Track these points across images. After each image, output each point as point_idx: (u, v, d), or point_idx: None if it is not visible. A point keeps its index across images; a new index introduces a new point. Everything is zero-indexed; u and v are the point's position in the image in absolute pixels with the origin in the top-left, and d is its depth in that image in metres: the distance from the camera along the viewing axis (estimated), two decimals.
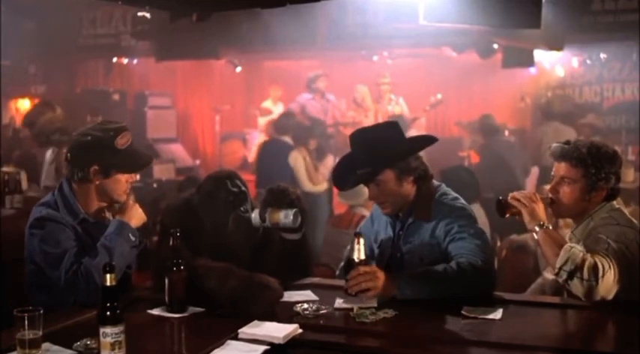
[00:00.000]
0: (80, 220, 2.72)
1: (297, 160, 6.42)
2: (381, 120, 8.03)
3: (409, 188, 2.84)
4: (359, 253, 2.52)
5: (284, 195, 2.83)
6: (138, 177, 7.39)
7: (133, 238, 2.72)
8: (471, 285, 2.55)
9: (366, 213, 4.70)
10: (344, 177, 2.92)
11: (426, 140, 2.98)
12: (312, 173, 6.48)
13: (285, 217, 2.73)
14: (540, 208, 2.59)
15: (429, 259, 2.75)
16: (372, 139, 2.86)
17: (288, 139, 6.58)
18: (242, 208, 2.82)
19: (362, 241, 2.53)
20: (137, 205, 2.81)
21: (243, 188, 2.89)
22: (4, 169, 4.92)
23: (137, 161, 2.86)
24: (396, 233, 2.90)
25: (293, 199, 2.83)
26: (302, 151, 6.50)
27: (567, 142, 2.73)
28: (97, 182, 2.74)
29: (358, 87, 8.98)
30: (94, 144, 2.72)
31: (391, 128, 2.94)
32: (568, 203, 2.69)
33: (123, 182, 2.78)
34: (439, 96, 8.86)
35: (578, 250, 2.44)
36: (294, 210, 2.73)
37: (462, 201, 2.87)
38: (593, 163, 2.63)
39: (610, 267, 2.38)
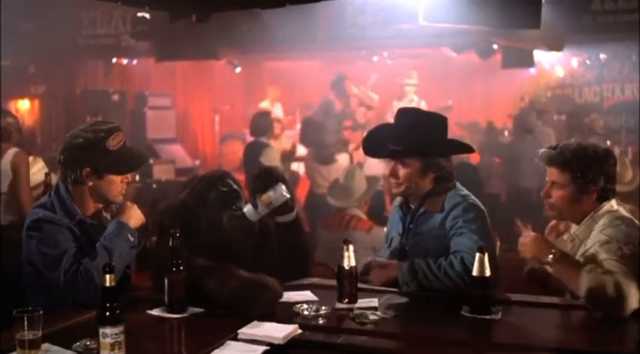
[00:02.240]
0: (77, 221, 2.72)
1: (269, 156, 6.39)
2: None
3: (427, 182, 2.89)
4: (349, 260, 2.53)
5: (270, 174, 2.84)
6: (137, 178, 7.39)
7: (131, 239, 2.71)
8: (465, 283, 2.57)
9: (358, 213, 4.51)
10: (377, 145, 2.96)
11: (464, 148, 3.08)
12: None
13: (275, 191, 2.73)
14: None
15: (435, 252, 2.78)
16: (418, 124, 2.90)
17: (264, 139, 6.58)
18: (234, 207, 2.79)
19: (351, 248, 2.55)
20: (135, 206, 2.80)
21: (235, 186, 2.87)
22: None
23: (130, 162, 2.82)
24: (406, 227, 2.93)
25: (279, 177, 2.83)
26: (276, 144, 6.50)
27: (555, 147, 2.74)
28: (91, 184, 2.72)
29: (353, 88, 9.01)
30: (85, 146, 2.70)
31: (439, 122, 2.96)
32: (561, 206, 2.71)
33: (117, 183, 2.76)
34: (450, 103, 8.91)
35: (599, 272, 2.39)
36: (281, 184, 2.75)
37: (474, 198, 2.90)
38: (579, 167, 2.64)
39: (630, 279, 2.36)
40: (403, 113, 2.97)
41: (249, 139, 10.16)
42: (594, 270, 2.40)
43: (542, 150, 2.75)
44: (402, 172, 2.88)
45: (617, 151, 7.48)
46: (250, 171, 6.56)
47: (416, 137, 2.84)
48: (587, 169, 2.64)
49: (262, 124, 6.66)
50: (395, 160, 2.90)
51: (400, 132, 2.89)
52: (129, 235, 2.70)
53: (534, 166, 6.77)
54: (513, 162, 6.91)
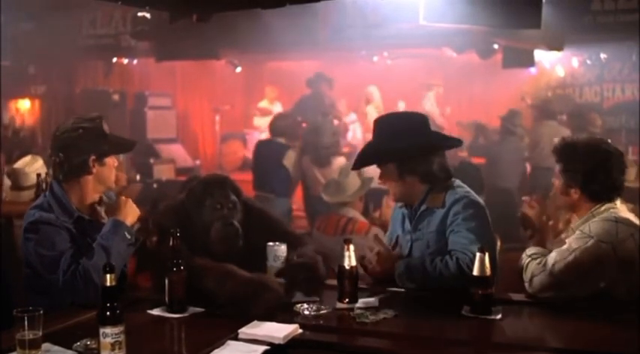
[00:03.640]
0: (75, 219, 2.72)
1: (291, 159, 6.40)
2: None
3: (415, 185, 2.88)
4: (349, 259, 2.54)
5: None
6: (138, 177, 7.35)
7: (129, 236, 2.71)
8: (459, 284, 2.59)
9: (355, 214, 4.37)
10: (359, 159, 3.00)
11: (441, 144, 2.97)
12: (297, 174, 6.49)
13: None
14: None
15: (436, 247, 2.81)
16: (387, 129, 2.93)
17: (282, 140, 6.58)
18: (227, 221, 2.76)
19: (352, 247, 2.55)
20: (130, 201, 2.81)
21: (233, 197, 2.83)
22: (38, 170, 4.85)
23: (125, 143, 2.98)
24: (412, 225, 2.94)
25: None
26: (296, 150, 6.49)
27: (564, 138, 2.81)
28: (95, 171, 2.77)
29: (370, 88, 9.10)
30: (85, 135, 2.76)
31: (409, 123, 2.96)
32: (554, 193, 2.79)
33: (112, 168, 2.85)
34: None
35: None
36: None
37: (475, 195, 2.90)
38: (563, 159, 2.72)
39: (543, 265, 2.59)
40: (375, 123, 2.99)
41: (250, 138, 10.22)
42: (534, 257, 2.66)
43: (555, 139, 2.84)
44: (384, 179, 2.92)
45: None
46: (261, 170, 6.54)
47: (385, 140, 2.89)
48: (571, 165, 2.69)
49: (282, 125, 6.65)
50: (380, 167, 2.94)
51: (375, 140, 2.95)
52: (126, 233, 2.70)
53: (516, 167, 6.88)
54: (496, 163, 6.97)
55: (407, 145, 2.85)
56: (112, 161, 2.83)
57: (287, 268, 2.64)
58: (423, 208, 2.89)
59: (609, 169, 2.66)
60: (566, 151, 2.72)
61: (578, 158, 2.68)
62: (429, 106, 9.14)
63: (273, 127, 6.74)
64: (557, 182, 2.75)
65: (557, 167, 2.75)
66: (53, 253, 2.61)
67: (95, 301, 2.07)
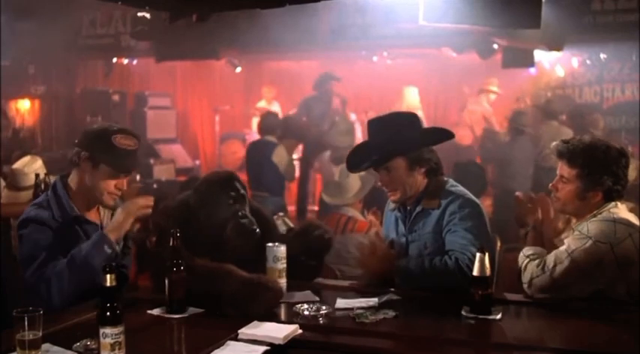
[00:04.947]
0: (73, 218, 2.71)
1: (280, 156, 6.42)
2: None
3: (420, 179, 2.89)
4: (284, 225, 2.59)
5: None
6: (138, 177, 7.29)
7: (108, 251, 2.62)
8: (459, 284, 2.59)
9: (355, 213, 4.39)
10: (358, 160, 2.98)
11: (442, 134, 3.03)
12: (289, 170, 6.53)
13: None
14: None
15: (433, 247, 2.81)
16: (387, 127, 2.93)
17: (273, 138, 6.61)
18: (240, 213, 2.77)
19: (281, 214, 2.61)
20: (135, 199, 2.78)
21: (242, 191, 2.86)
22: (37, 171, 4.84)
23: (126, 163, 2.79)
24: (407, 227, 2.93)
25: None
26: (286, 147, 6.53)
27: (567, 141, 2.73)
28: (84, 169, 2.74)
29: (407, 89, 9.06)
30: (93, 133, 2.76)
31: (408, 118, 3.01)
32: (564, 200, 2.72)
33: (111, 185, 2.75)
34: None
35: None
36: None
37: (470, 194, 2.90)
38: (587, 164, 2.64)
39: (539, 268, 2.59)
40: (370, 124, 2.99)
41: (250, 139, 10.20)
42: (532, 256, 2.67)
43: (555, 143, 2.75)
44: (390, 178, 2.89)
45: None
46: (254, 170, 6.57)
47: (388, 138, 2.87)
48: (595, 168, 2.63)
49: (271, 123, 6.68)
50: (380, 170, 2.92)
51: (374, 141, 2.93)
52: (106, 247, 2.62)
53: (527, 167, 6.84)
54: (508, 164, 6.93)
55: (410, 137, 2.87)
56: (109, 179, 2.73)
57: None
58: (418, 209, 2.89)
59: (626, 167, 2.67)
60: (586, 156, 2.64)
61: (601, 161, 2.63)
62: (489, 113, 8.96)
63: (261, 127, 6.80)
64: (568, 187, 2.68)
65: (571, 172, 2.66)
66: (31, 252, 2.61)
67: (53, 309, 2.05)
